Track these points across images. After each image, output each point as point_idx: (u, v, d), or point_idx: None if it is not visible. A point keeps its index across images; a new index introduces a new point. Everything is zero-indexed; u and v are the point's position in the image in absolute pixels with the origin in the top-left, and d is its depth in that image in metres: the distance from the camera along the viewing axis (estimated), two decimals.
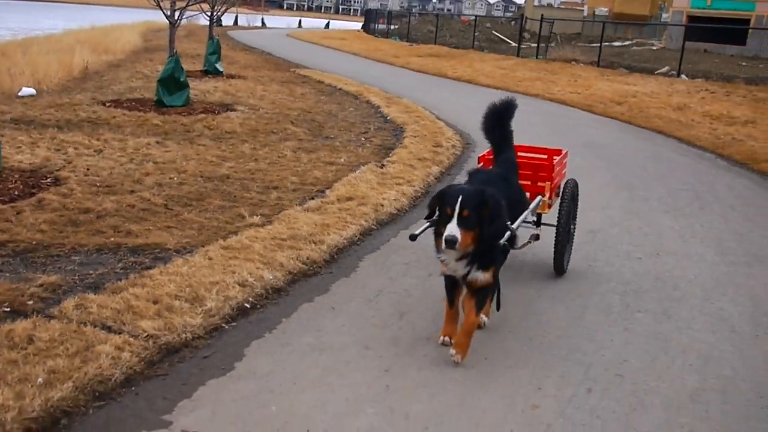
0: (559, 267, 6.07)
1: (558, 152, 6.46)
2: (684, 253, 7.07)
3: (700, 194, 9.58)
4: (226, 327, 4.91)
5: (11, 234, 6.22)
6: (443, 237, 4.13)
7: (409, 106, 15.75)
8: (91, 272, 5.54)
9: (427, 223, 4.56)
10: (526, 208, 5.27)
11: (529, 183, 5.96)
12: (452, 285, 4.60)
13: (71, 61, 18.42)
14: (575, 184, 6.23)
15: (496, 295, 4.83)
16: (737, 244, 7.45)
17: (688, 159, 12.22)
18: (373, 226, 7.34)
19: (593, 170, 10.57)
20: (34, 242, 6.13)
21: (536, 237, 5.03)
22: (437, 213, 4.37)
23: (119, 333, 4.49)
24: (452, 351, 4.43)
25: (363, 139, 12.06)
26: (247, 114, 13.22)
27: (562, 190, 6.15)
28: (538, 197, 5.88)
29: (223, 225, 6.96)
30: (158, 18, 18.69)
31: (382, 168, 9.74)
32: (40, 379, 3.85)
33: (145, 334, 4.52)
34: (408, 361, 4.58)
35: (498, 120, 5.52)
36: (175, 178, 8.55)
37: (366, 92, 17.44)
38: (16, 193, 7.51)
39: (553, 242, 5.95)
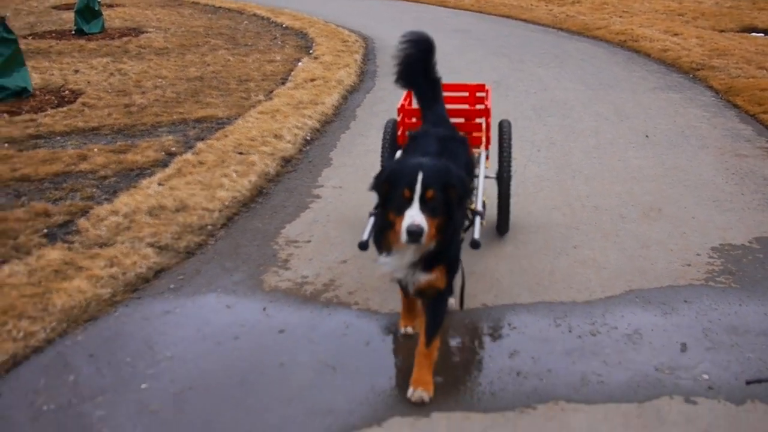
0: (504, 225, 5.38)
1: (481, 88, 5.50)
2: (562, 88, 10.66)
3: (558, 54, 13.25)
4: (308, 147, 7.80)
5: (98, 121, 8.55)
6: (403, 227, 3.18)
7: (296, 14, 18.31)
8: (186, 134, 8.12)
9: (372, 221, 3.77)
10: (476, 167, 4.63)
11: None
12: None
13: None
14: (509, 124, 5.44)
15: (461, 292, 4.00)
16: (594, 79, 11.16)
17: (538, 34, 15.94)
18: (346, 93, 10.27)
19: (472, 47, 13.94)
20: (121, 124, 8.52)
21: (483, 205, 4.37)
22: (388, 197, 3.39)
23: (255, 154, 7.23)
24: (411, 390, 3.57)
25: (279, 42, 14.62)
26: (163, 34, 15.23)
27: (499, 133, 5.35)
28: (481, 153, 5.02)
29: (240, 102, 9.60)
30: None
31: (316, 59, 12.52)
32: (234, 173, 6.60)
33: (271, 151, 7.31)
34: None
35: (422, 65, 4.67)
36: (163, 82, 10.87)
37: (247, 7, 19.66)
38: (56, 101, 9.62)
39: (497, 199, 5.23)
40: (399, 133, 5.30)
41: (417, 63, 4.67)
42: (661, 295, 4.66)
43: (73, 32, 14.95)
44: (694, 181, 6.69)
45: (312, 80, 10.77)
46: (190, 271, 5.03)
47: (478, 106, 5.46)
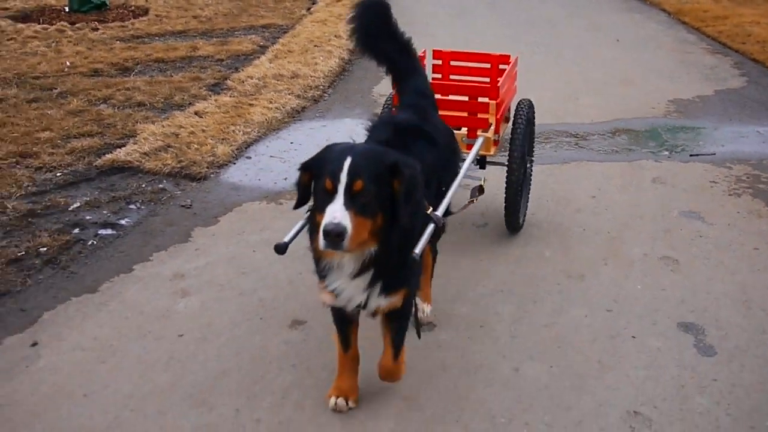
0: (514, 222, 4.80)
1: (504, 59, 5.00)
2: (547, 8, 13.46)
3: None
4: None
5: (181, 27, 10.97)
6: (321, 227, 2.56)
7: None
8: (261, 35, 10.63)
9: (302, 221, 3.10)
10: (458, 166, 3.84)
11: (465, 115, 4.58)
12: (344, 319, 3.18)
13: None
14: (530, 105, 4.86)
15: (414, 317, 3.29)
16: (570, 2, 13.97)
17: None
18: None
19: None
20: (202, 29, 10.97)
21: (480, 190, 3.73)
22: (312, 192, 2.81)
23: (328, 47, 9.82)
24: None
25: None
26: None
27: (513, 113, 4.78)
28: (479, 139, 4.42)
29: (288, 15, 12.11)
30: None
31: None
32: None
33: (338, 44, 9.92)
34: None
35: (379, 24, 3.84)
36: (211, 1, 13.24)
37: None
38: (130, 14, 11.94)
39: (504, 189, 4.64)
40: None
41: (372, 22, 3.80)
42: (636, 121, 7.52)
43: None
44: (654, 66, 9.55)
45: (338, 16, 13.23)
46: (322, 108, 7.69)
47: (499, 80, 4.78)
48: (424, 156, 3.27)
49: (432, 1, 13.57)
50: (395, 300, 2.99)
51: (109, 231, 5.08)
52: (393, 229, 2.76)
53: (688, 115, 7.71)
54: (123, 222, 5.21)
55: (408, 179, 2.73)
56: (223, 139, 6.56)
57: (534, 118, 5.12)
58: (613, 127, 7.31)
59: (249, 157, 6.38)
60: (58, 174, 5.92)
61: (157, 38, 10.41)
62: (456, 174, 3.76)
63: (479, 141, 4.45)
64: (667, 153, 6.67)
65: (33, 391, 3.48)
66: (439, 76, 5.17)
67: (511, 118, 4.90)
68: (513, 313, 4.15)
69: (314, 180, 2.79)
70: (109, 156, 6.17)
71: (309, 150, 6.37)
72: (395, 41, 3.92)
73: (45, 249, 4.77)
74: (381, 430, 3.29)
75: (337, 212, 2.57)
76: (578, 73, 9.18)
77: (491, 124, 4.60)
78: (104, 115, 7.15)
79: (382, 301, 2.96)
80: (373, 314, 3.09)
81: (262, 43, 10.04)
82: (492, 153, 4.68)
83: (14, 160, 6.12)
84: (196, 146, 6.35)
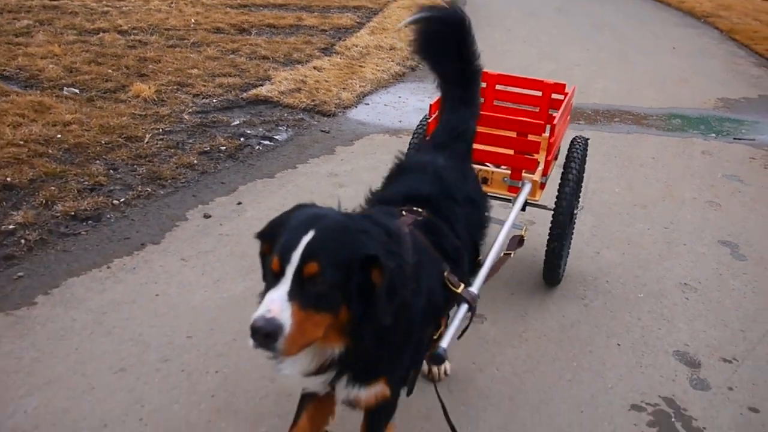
0: (553, 274, 4.29)
1: (558, 88, 4.52)
2: (616, 19, 14.86)
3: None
4: None
5: (282, 0, 12.50)
6: (251, 320, 1.94)
7: None
8: (355, 13, 12.11)
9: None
10: (484, 224, 3.19)
11: (511, 153, 3.97)
12: (305, 396, 2.61)
13: None
14: (585, 144, 4.37)
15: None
16: (634, 15, 15.36)
17: None
18: None
19: None
20: (301, 4, 12.49)
21: (520, 242, 3.37)
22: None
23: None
24: None
25: None
26: None
27: (567, 152, 4.27)
28: (527, 184, 3.90)
29: (374, 0, 13.60)
30: None
31: None
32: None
33: None
34: None
35: (454, 39, 3.33)
36: None
37: None
38: None
39: (548, 236, 4.10)
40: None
41: (446, 35, 3.33)
42: (688, 110, 8.89)
43: None
44: (705, 72, 10.91)
45: None
46: (420, 75, 9.12)
47: (551, 112, 4.48)
48: (464, 223, 2.87)
49: (506, 1, 15.02)
50: (379, 389, 2.36)
51: (268, 142, 6.53)
52: (366, 326, 2.08)
53: (733, 111, 9.05)
54: (278, 137, 6.66)
55: (390, 271, 2.05)
56: (343, 88, 8.02)
57: (586, 158, 4.44)
58: (669, 112, 8.68)
59: (367, 104, 7.83)
60: (214, 100, 7.38)
61: (262, 8, 11.91)
62: (484, 228, 3.17)
63: (527, 186, 3.90)
64: (714, 135, 8.03)
65: (243, 231, 4.89)
66: (482, 100, 4.21)
67: (563, 154, 4.38)
68: (593, 223, 5.52)
69: (267, 250, 2.14)
70: (252, 91, 7.64)
71: (414, 104, 8.04)
72: (464, 63, 3.36)
73: (224, 148, 6.23)
74: None
75: (274, 303, 1.92)
76: (639, 70, 10.56)
77: (540, 164, 4.06)
78: (238, 63, 8.62)
79: (362, 393, 2.33)
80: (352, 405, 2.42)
81: (358, 20, 11.51)
82: (537, 198, 4.05)
83: (175, 87, 7.60)
84: (323, 91, 7.81)
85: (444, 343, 2.59)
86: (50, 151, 5.68)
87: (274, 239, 2.12)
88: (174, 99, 7.20)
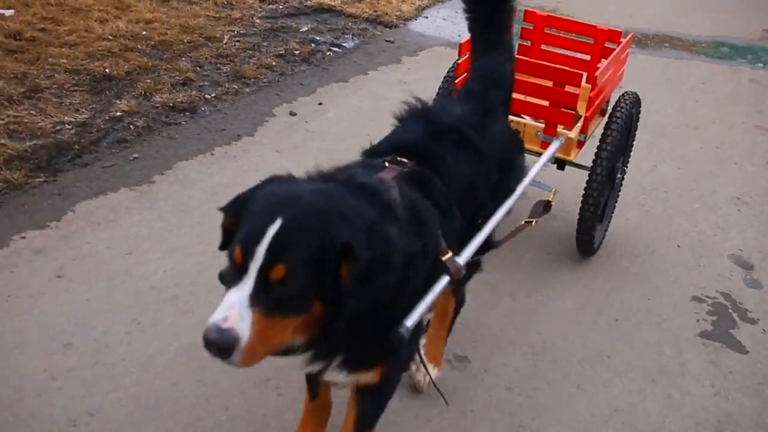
0: (587, 244, 3.95)
1: (614, 36, 4.13)
2: None
3: None
4: None
5: None
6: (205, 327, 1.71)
7: None
8: None
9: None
10: (516, 183, 2.91)
11: (546, 103, 3.63)
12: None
13: None
14: (636, 100, 4.03)
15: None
16: None
17: None
18: None
19: None
20: None
21: (546, 207, 3.01)
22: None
23: None
24: None
25: None
26: None
27: (612, 107, 3.92)
28: (556, 140, 3.58)
29: None
30: None
31: None
32: None
33: None
34: None
35: None
36: None
37: None
38: None
39: (581, 199, 3.75)
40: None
41: None
42: (735, 39, 9.10)
43: None
44: (753, 3, 11.04)
45: None
46: None
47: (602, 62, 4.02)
48: (458, 175, 2.47)
49: None
50: (366, 377, 2.21)
51: (337, 49, 6.85)
52: (336, 318, 1.86)
53: None
54: (345, 45, 6.97)
55: (363, 265, 1.81)
56: (402, 1, 8.26)
57: (638, 116, 4.19)
58: (716, 41, 8.90)
59: (426, 17, 8.09)
60: (280, 7, 7.65)
61: None
62: (497, 189, 2.77)
63: (555, 143, 3.56)
64: (761, 65, 8.29)
65: (327, 129, 5.27)
66: (528, 43, 4.28)
67: (609, 112, 3.96)
68: (649, 140, 5.88)
69: (235, 232, 1.85)
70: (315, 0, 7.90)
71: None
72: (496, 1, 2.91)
73: (297, 52, 6.56)
74: None
75: (232, 309, 1.71)
76: (686, 1, 10.71)
77: (578, 119, 3.73)
78: None
79: (342, 377, 2.17)
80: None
81: None
82: (572, 157, 3.76)
83: None
84: (383, 2, 8.06)
85: (409, 321, 2.12)
86: (139, 46, 6.02)
87: (240, 217, 1.87)
88: (243, 3, 7.47)
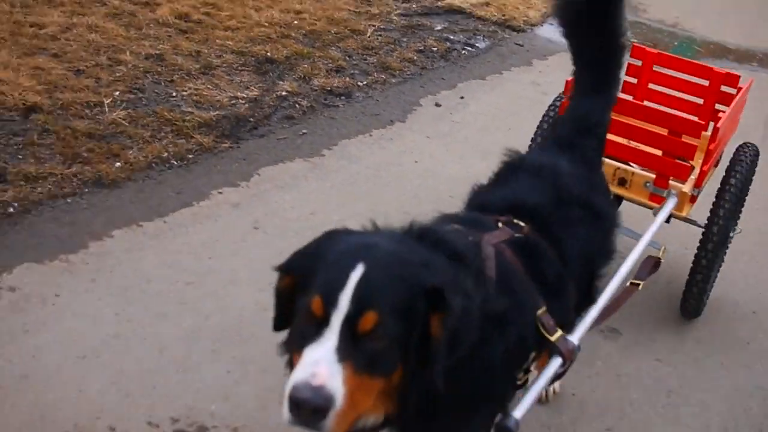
0: (694, 307, 3.64)
1: (731, 80, 3.71)
2: None
3: None
4: None
5: None
6: (289, 387, 1.53)
7: None
8: None
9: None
10: (610, 247, 2.58)
11: (659, 153, 3.38)
12: None
13: None
14: (756, 153, 3.62)
15: None
16: None
17: None
18: None
19: None
20: None
21: (655, 265, 2.77)
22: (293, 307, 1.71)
23: None
24: None
25: None
26: None
27: (731, 159, 3.57)
28: (672, 196, 3.31)
29: None
30: None
31: None
32: None
33: None
34: None
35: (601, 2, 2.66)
36: None
37: None
38: None
39: (693, 260, 3.44)
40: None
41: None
42: None
43: None
44: None
45: None
46: None
47: (719, 108, 3.71)
48: (580, 250, 2.29)
49: None
50: None
51: (470, 49, 7.26)
52: (413, 388, 1.65)
53: None
54: (478, 45, 7.38)
55: (457, 317, 1.62)
56: (528, 6, 8.63)
57: (754, 170, 3.67)
58: None
59: (552, 24, 8.42)
60: (414, 6, 8.11)
61: None
62: (609, 253, 2.55)
63: (671, 201, 3.29)
64: None
65: (471, 122, 5.68)
66: (634, 81, 3.95)
67: (727, 164, 3.61)
68: None
69: (297, 290, 1.70)
70: (446, 0, 8.33)
71: None
72: (605, 37, 2.72)
73: (435, 49, 6.99)
74: None
75: (320, 365, 1.50)
76: None
77: (693, 172, 3.42)
78: None
79: None
80: None
81: None
82: (684, 213, 3.44)
83: None
84: (510, 7, 8.44)
85: (517, 413, 1.98)
86: (292, 34, 6.55)
87: (304, 273, 1.67)
88: (379, 0, 7.95)
